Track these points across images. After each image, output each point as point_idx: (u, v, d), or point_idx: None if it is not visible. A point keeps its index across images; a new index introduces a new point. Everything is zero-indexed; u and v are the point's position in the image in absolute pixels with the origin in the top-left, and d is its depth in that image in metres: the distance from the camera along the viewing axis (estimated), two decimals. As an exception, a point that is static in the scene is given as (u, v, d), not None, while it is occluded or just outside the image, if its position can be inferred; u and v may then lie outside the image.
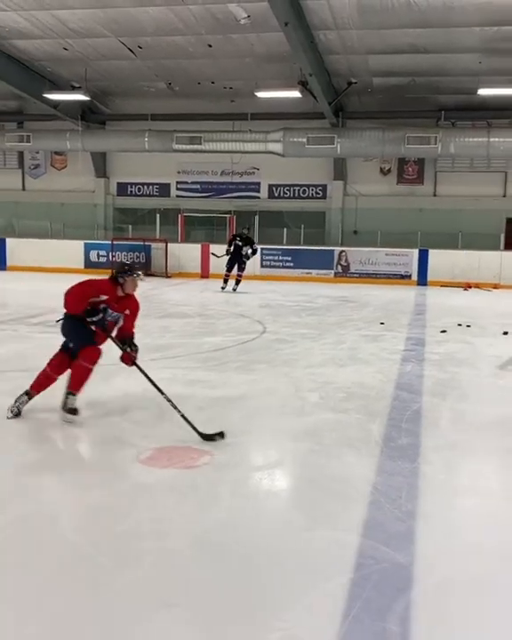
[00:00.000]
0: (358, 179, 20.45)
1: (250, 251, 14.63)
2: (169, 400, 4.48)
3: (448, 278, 17.23)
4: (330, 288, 16.00)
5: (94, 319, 4.66)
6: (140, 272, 4.86)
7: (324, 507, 3.40)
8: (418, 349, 8.00)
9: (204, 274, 18.60)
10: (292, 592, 2.56)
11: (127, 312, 4.85)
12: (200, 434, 4.30)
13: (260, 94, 17.44)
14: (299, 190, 21.05)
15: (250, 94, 17.60)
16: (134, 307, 4.90)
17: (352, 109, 19.16)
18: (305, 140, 18.10)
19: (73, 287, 4.72)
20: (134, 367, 4.74)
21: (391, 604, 2.45)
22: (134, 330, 4.92)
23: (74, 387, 4.66)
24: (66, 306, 4.72)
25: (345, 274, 18.39)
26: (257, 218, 19.43)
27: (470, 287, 16.70)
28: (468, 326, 9.81)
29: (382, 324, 10.02)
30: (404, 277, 18.00)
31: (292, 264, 18.75)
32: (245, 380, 6.07)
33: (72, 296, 4.69)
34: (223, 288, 14.65)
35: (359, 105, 18.98)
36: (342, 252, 18.66)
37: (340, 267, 18.60)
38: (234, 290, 14.53)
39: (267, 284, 16.60)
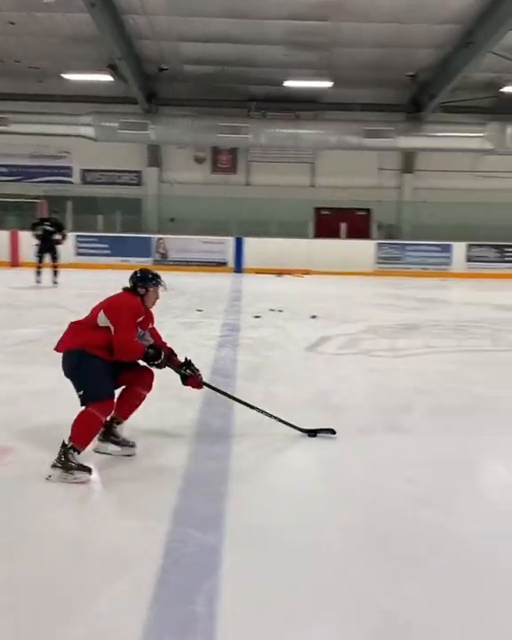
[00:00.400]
0: (173, 166, 20.47)
1: (60, 236, 13.91)
2: (251, 406, 4.28)
3: (262, 265, 17.80)
4: (148, 276, 15.84)
5: (157, 363, 3.84)
6: (162, 280, 4.12)
7: (135, 497, 3.37)
8: (233, 335, 8.20)
9: (14, 262, 17.68)
10: (99, 585, 2.52)
11: (152, 326, 4.13)
12: (304, 430, 4.32)
13: (68, 76, 16.88)
14: (113, 176, 20.65)
15: (58, 76, 16.92)
16: (152, 318, 4.15)
17: (164, 96, 19.09)
18: (117, 124, 17.78)
19: (121, 332, 3.70)
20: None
21: (199, 585, 2.49)
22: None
23: (79, 440, 3.59)
24: (128, 358, 3.78)
25: (164, 261, 18.37)
26: (70, 203, 18.77)
27: (283, 274, 17.38)
28: (280, 311, 10.21)
29: (199, 311, 10.14)
30: (221, 265, 18.34)
31: (109, 251, 18.39)
32: (56, 372, 5.84)
33: (130, 344, 3.73)
34: (38, 282, 13.26)
35: (172, 92, 18.96)
36: (160, 239, 18.61)
37: (158, 254, 18.56)
38: (54, 283, 13.32)
39: (83, 273, 16.15)
